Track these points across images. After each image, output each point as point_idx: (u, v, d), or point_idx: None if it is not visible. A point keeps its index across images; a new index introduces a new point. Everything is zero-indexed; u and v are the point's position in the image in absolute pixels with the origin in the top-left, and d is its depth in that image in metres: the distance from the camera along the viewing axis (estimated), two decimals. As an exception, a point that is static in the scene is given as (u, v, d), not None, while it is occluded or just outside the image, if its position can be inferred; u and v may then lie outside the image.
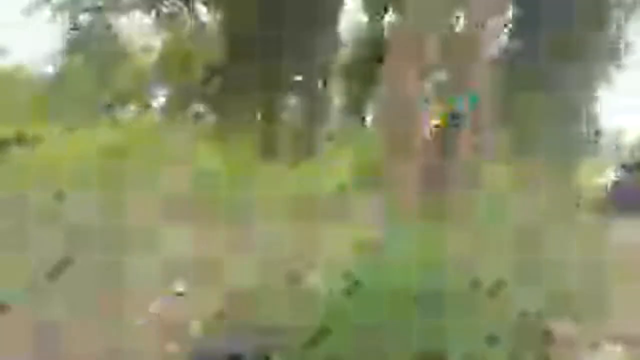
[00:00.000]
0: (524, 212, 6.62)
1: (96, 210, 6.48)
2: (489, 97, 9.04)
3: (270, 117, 18.57)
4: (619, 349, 5.60)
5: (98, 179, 7.22)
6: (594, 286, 5.60)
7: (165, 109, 20.71)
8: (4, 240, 6.04)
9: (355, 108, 22.57)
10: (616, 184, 17.47)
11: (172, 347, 5.34)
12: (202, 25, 21.26)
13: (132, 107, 18.04)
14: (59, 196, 6.34)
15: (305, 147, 16.76)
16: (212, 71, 18.75)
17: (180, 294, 5.97)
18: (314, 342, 5.28)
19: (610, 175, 17.80)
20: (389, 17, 21.97)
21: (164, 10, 21.02)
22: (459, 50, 9.31)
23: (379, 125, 9.77)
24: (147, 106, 20.34)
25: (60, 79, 18.99)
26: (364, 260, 5.44)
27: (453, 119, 8.73)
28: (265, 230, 6.17)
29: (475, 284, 5.22)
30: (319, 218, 6.04)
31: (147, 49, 21.45)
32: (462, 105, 8.70)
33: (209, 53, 19.52)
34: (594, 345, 5.61)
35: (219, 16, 20.20)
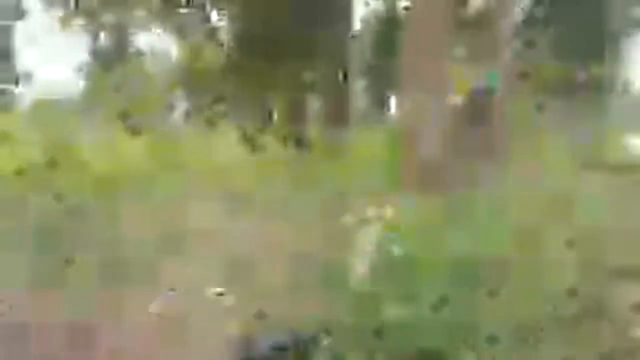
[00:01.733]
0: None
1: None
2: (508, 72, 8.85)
3: (290, 116, 18.32)
4: None
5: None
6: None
7: (187, 115, 20.61)
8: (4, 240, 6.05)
9: (378, 101, 22.01)
10: None
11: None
12: (215, 30, 21.21)
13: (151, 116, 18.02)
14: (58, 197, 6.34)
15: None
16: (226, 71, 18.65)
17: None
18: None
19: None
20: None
21: (179, 20, 21.04)
22: (477, 24, 9.04)
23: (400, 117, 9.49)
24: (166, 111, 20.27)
25: (86, 97, 19.13)
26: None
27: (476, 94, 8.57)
28: (266, 229, 6.19)
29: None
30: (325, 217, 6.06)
31: (162, 59, 21.48)
32: (482, 84, 8.55)
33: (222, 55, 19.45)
34: None
35: (231, 15, 20.14)
